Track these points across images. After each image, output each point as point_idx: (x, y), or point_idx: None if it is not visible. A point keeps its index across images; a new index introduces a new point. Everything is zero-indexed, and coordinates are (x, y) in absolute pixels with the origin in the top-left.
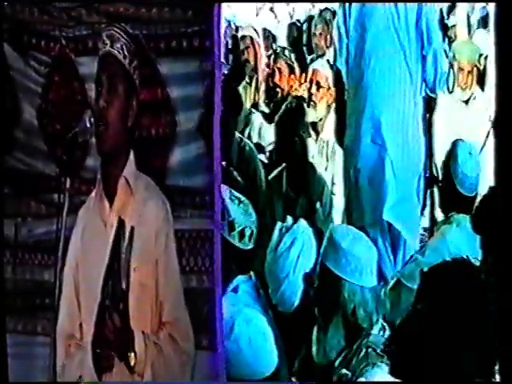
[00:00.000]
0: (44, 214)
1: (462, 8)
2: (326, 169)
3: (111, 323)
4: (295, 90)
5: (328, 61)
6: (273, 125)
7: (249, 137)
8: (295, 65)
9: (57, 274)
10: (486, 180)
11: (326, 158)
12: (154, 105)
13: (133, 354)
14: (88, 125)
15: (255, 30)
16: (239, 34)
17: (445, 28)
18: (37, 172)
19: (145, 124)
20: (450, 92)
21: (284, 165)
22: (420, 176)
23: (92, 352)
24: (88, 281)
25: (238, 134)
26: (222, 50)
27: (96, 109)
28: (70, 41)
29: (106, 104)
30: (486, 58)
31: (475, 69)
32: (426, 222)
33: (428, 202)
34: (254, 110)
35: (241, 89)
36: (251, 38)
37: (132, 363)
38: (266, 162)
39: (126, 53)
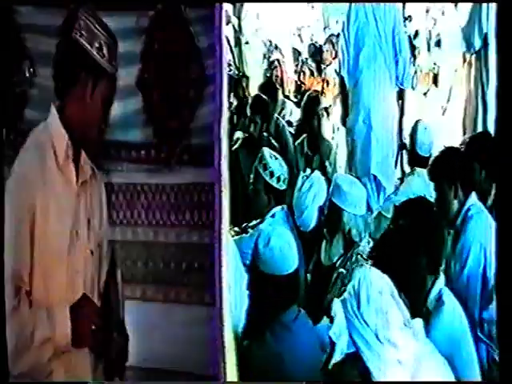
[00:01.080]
0: None
1: (422, 34)
2: (332, 138)
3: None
4: (314, 86)
5: (335, 70)
6: (300, 108)
7: (283, 117)
8: (314, 70)
9: None
10: (437, 145)
11: (332, 131)
12: None
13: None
14: (27, 75)
15: (281, 53)
16: (271, 58)
17: (413, 46)
18: None
19: None
20: (414, 88)
21: (304, 135)
22: (394, 144)
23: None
24: (48, 235)
25: (276, 115)
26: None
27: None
28: None
29: None
30: (438, 66)
31: (431, 72)
32: (398, 174)
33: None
34: (286, 100)
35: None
36: (278, 60)
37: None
38: (294, 132)
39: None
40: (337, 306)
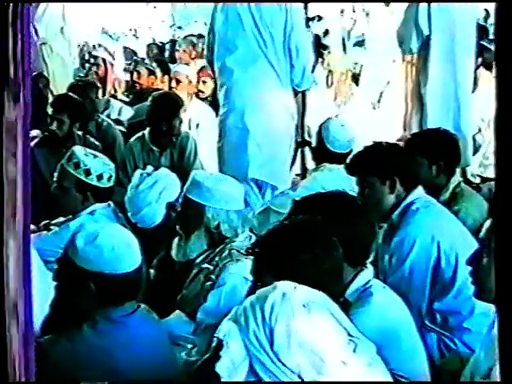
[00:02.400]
0: None
1: (336, 33)
2: (187, 135)
3: None
4: (156, 85)
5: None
6: (134, 107)
7: (108, 116)
8: (156, 70)
9: None
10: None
11: (189, 127)
12: None
13: None
14: None
15: (108, 51)
16: (93, 53)
17: (322, 46)
18: None
19: None
20: (329, 87)
21: (146, 132)
22: (290, 142)
23: None
24: None
25: (98, 114)
26: None
27: None
28: None
29: None
30: (360, 65)
31: (349, 72)
32: (297, 170)
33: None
34: (112, 99)
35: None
36: (103, 58)
37: None
38: (125, 131)
39: None
40: (229, 331)
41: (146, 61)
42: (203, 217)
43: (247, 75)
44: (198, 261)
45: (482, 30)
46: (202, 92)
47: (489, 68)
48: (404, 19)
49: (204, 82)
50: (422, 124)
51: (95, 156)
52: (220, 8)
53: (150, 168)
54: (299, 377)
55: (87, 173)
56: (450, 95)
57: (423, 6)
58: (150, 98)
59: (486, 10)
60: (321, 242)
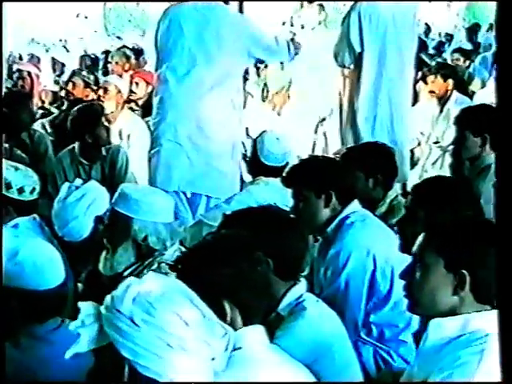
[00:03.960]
0: None
1: None
2: (117, 147)
3: None
4: (87, 96)
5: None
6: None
7: (43, 126)
8: (91, 81)
9: None
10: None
11: (120, 137)
12: None
13: None
14: None
15: (33, 62)
16: (18, 67)
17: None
18: None
19: None
20: (264, 101)
21: (72, 146)
22: (234, 153)
23: None
24: None
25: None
26: None
27: None
28: None
29: None
30: (296, 78)
31: (284, 89)
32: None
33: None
34: (39, 111)
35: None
36: (28, 71)
37: None
38: (57, 142)
39: None
40: (86, 303)
41: (84, 73)
42: (130, 229)
43: (182, 87)
44: (125, 274)
45: (422, 45)
46: (134, 93)
47: (428, 82)
48: (340, 34)
49: (137, 84)
50: (356, 138)
51: (17, 169)
52: (165, 14)
53: (78, 181)
54: (131, 319)
55: (8, 186)
56: (384, 110)
57: (355, 22)
58: (70, 113)
59: (426, 24)
60: (245, 257)
